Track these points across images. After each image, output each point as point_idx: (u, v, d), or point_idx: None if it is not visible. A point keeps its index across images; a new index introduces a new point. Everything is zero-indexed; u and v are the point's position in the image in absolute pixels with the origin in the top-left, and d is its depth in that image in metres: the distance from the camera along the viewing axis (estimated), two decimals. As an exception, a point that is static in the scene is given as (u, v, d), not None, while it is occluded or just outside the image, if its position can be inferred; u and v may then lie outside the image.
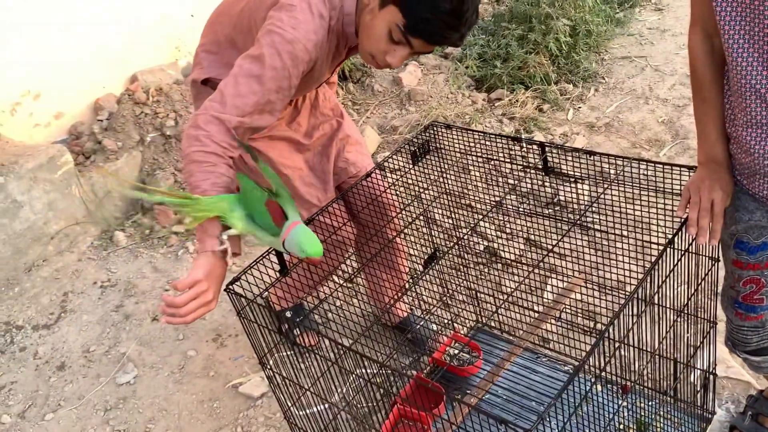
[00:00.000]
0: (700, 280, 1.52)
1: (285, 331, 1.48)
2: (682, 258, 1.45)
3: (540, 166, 1.68)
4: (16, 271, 2.87)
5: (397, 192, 2.42)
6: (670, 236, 1.41)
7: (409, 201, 2.08)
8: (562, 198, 2.82)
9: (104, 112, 3.40)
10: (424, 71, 3.78)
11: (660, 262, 1.36)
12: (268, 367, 1.62)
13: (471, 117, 3.40)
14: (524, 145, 1.63)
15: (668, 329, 1.67)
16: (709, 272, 1.51)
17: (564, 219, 2.71)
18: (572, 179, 1.73)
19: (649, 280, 1.33)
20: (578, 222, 1.70)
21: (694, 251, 1.46)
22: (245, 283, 1.50)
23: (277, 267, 1.58)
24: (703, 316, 1.62)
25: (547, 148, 1.65)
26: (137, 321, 2.60)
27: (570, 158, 1.66)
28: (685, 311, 1.57)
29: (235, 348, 2.43)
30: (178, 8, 3.71)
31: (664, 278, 1.46)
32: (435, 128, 1.87)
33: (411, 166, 1.86)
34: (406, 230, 1.96)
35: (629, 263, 1.73)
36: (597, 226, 1.86)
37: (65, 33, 3.30)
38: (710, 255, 1.49)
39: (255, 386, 2.25)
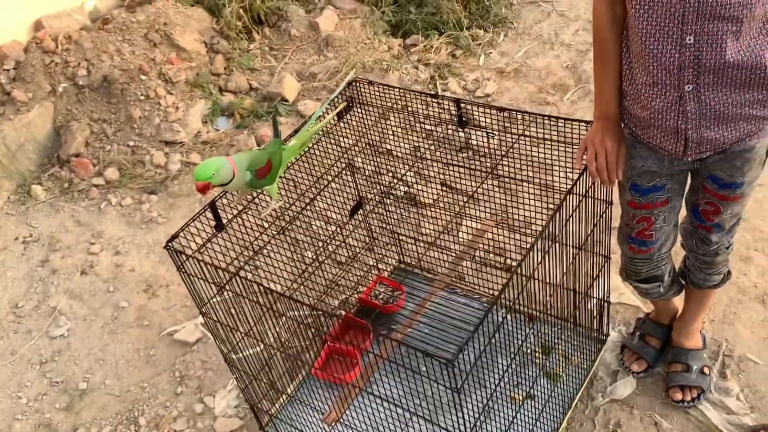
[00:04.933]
0: (596, 220, 1.72)
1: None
2: (581, 202, 1.63)
3: (456, 121, 1.81)
4: (-71, 230, 2.80)
5: (326, 146, 2.51)
6: (571, 182, 1.59)
7: (338, 155, 2.18)
8: (474, 143, 2.98)
9: (10, 61, 3.27)
10: (340, 16, 3.81)
11: (563, 205, 1.54)
12: (208, 316, 1.72)
13: (388, 63, 3.48)
14: (440, 101, 1.76)
15: (569, 264, 1.88)
16: (605, 213, 1.71)
17: (478, 166, 2.89)
18: (486, 132, 1.88)
19: (554, 221, 1.51)
20: (493, 170, 1.86)
21: (591, 196, 1.65)
22: (183, 240, 1.59)
23: (212, 223, 1.66)
24: (599, 252, 1.84)
25: (462, 105, 1.78)
26: (65, 275, 2.62)
27: (483, 111, 1.80)
28: (584, 248, 1.78)
29: (167, 297, 2.50)
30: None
31: (566, 219, 1.64)
32: (357, 84, 1.96)
33: (336, 122, 1.95)
34: (333, 182, 2.07)
35: (535, 206, 1.92)
36: (508, 171, 2.03)
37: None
38: (605, 198, 1.69)
39: (190, 333, 2.35)
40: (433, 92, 3.16)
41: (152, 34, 3.40)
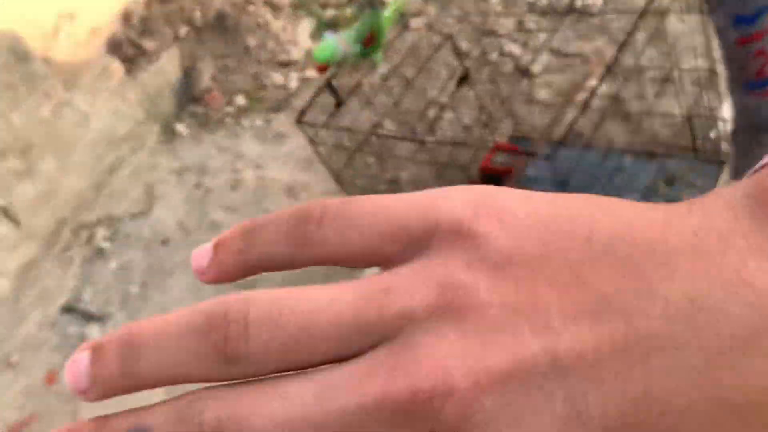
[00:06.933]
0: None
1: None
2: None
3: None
4: (101, 175, 3.23)
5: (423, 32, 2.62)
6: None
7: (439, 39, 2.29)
8: (578, 3, 2.96)
9: (135, 17, 3.60)
10: None
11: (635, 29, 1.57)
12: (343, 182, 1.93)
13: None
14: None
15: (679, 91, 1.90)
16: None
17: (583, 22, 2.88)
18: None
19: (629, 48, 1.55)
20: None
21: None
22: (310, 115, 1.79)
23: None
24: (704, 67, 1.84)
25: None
26: (218, 193, 2.95)
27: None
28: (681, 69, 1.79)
29: (309, 196, 2.76)
30: None
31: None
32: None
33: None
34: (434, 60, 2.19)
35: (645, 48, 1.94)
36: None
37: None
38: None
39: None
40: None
41: (251, -33, 3.61)
